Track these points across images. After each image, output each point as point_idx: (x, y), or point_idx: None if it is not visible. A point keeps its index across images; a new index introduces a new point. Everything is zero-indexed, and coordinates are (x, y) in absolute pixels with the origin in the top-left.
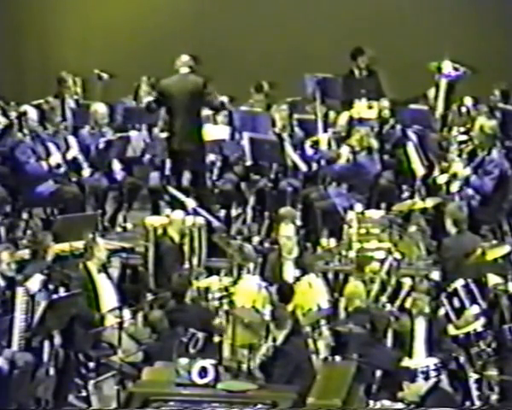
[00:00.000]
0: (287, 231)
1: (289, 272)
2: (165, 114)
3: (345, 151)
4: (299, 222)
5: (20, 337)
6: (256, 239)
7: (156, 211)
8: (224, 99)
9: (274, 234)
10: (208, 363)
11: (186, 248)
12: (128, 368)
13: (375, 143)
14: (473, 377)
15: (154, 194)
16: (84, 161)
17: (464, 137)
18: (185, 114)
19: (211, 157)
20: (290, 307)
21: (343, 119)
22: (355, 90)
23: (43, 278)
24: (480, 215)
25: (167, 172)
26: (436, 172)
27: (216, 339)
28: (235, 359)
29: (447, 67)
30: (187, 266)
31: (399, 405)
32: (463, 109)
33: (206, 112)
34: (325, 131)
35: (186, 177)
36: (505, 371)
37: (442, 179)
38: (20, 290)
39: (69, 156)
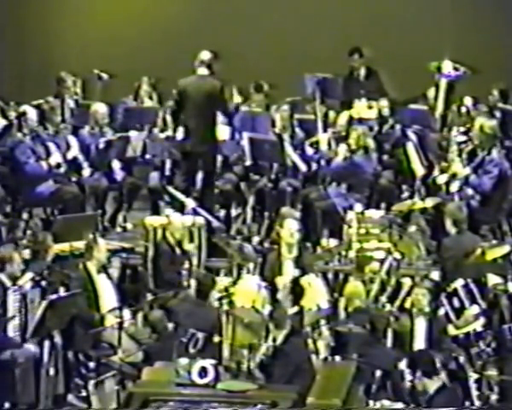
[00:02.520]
0: (292, 225)
1: (289, 272)
2: (176, 114)
3: (342, 150)
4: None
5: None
6: (256, 239)
7: (156, 211)
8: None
9: (274, 234)
10: (208, 363)
11: (186, 248)
12: (128, 368)
13: (371, 143)
14: (472, 377)
15: (154, 194)
16: (84, 161)
17: (464, 138)
18: (201, 116)
19: None
20: (296, 307)
21: (343, 119)
22: (355, 91)
23: (34, 276)
24: (480, 215)
25: (167, 171)
26: (436, 172)
27: (216, 339)
28: (234, 359)
29: (447, 67)
30: (187, 266)
31: (399, 405)
32: (463, 109)
33: None
34: (325, 131)
35: (198, 177)
36: (505, 371)
37: (442, 179)
38: (11, 290)
39: (69, 156)
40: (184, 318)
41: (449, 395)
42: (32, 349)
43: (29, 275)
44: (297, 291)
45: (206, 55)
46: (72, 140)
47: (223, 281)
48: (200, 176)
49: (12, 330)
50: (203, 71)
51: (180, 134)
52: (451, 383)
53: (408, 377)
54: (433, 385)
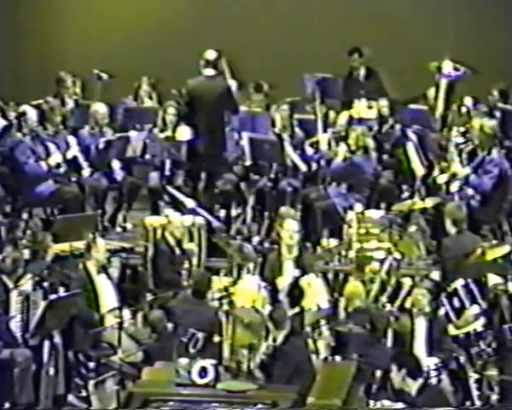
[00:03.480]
0: (292, 226)
1: (289, 272)
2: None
3: (341, 150)
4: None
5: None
6: (256, 239)
7: (156, 211)
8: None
9: (274, 234)
10: (208, 363)
11: (186, 248)
12: (128, 368)
13: (371, 143)
14: (473, 376)
15: (154, 194)
16: (83, 161)
17: (464, 138)
18: (211, 117)
19: None
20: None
21: (343, 118)
22: (355, 91)
23: (37, 277)
24: (480, 215)
25: (167, 172)
26: (436, 172)
27: (216, 339)
28: (235, 359)
29: (447, 67)
30: (187, 266)
31: (399, 405)
32: (463, 109)
33: None
34: (325, 131)
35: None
36: (505, 371)
37: (442, 179)
38: (14, 291)
39: (69, 156)
40: (183, 317)
41: (431, 393)
42: (32, 349)
43: (29, 277)
44: (296, 292)
45: (211, 54)
46: (72, 140)
47: (221, 280)
48: (203, 176)
49: (14, 330)
50: (210, 72)
51: (188, 135)
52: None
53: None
54: (414, 386)
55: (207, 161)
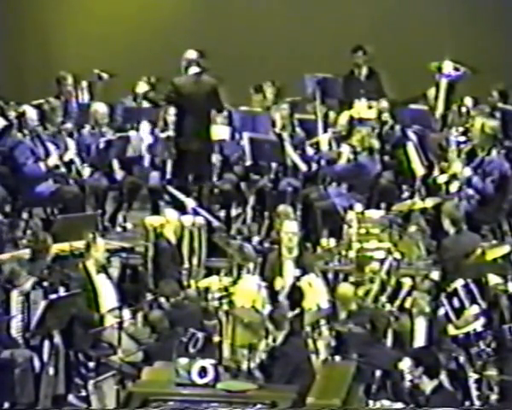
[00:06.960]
0: (291, 228)
1: (289, 272)
2: (173, 113)
3: (345, 151)
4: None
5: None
6: (256, 239)
7: (156, 211)
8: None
9: (274, 234)
10: (208, 363)
11: (185, 248)
12: (128, 368)
13: (376, 144)
14: (472, 377)
15: (154, 194)
16: (80, 164)
17: (464, 138)
18: (196, 115)
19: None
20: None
21: (343, 118)
22: (355, 90)
23: (36, 278)
24: (480, 215)
25: (168, 172)
26: (436, 172)
27: (216, 339)
28: (234, 359)
29: (447, 67)
30: (186, 265)
31: (399, 405)
32: (463, 109)
33: None
34: (325, 131)
35: (191, 177)
36: (505, 371)
37: (442, 179)
38: (14, 291)
39: (66, 158)
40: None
41: (445, 395)
42: (32, 349)
43: (29, 277)
44: (296, 294)
45: (192, 53)
46: (70, 142)
47: (221, 280)
48: (195, 175)
49: (15, 330)
50: (195, 69)
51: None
52: (449, 384)
53: (408, 376)
54: (429, 385)
55: (194, 159)
